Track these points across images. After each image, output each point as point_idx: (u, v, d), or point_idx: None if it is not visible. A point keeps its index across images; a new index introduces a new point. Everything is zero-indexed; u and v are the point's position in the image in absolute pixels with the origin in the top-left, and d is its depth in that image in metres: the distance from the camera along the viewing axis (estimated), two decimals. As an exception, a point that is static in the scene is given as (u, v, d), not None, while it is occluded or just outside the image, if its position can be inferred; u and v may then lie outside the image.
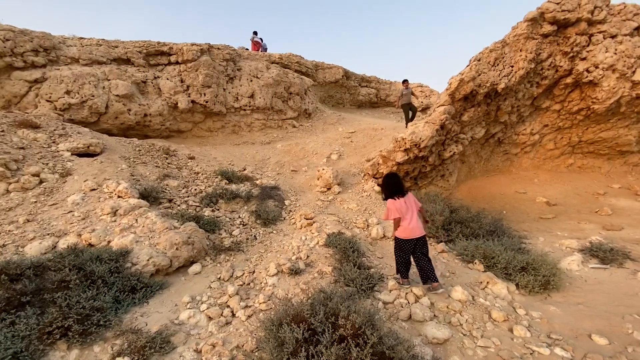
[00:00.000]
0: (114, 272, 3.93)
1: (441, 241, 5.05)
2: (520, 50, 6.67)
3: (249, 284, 4.15)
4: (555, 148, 8.59)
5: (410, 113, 9.46)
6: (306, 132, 11.87)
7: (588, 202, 7.35)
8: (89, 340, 3.12)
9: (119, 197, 5.52)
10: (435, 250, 4.86)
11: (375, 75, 16.54)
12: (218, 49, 10.69)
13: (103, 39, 9.75)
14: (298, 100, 12.30)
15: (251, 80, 11.18)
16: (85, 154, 6.84)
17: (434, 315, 3.38)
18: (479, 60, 6.58)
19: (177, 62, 9.98)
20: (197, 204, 6.04)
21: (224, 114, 10.49)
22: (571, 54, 6.91)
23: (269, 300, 3.71)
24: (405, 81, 9.79)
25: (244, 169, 8.16)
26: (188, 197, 6.27)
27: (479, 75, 6.48)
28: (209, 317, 3.56)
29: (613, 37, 6.82)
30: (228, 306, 3.72)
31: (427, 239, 5.04)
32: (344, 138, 10.67)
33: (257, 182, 7.35)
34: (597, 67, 6.80)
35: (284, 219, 6.06)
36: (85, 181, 5.89)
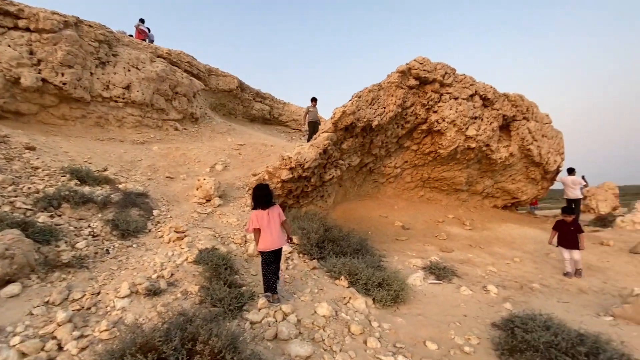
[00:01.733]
0: None
1: (314, 258, 5.28)
2: (392, 96, 7.83)
3: (89, 308, 3.44)
4: (411, 181, 10.23)
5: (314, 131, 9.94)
6: (191, 138, 11.03)
7: (431, 228, 8.93)
8: None
9: None
10: (308, 266, 5.05)
11: (270, 93, 16.79)
12: (90, 26, 9.08)
13: None
14: (185, 102, 11.39)
15: (129, 70, 9.83)
16: None
17: (299, 332, 3.44)
18: (359, 97, 7.41)
19: (27, 29, 8.00)
20: (29, 207, 4.78)
21: (87, 101, 8.82)
22: (427, 106, 8.49)
23: (113, 327, 3.14)
24: (313, 99, 10.32)
25: (105, 170, 6.95)
26: (16, 197, 4.91)
27: (359, 110, 7.28)
28: (23, 354, 2.77)
29: (456, 99, 8.71)
30: (54, 337, 2.98)
31: (302, 255, 5.23)
32: (232, 149, 10.32)
33: (120, 186, 6.34)
34: (443, 120, 8.53)
35: (149, 231, 5.35)
36: None
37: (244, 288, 4.05)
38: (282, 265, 4.64)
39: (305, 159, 6.87)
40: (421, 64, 7.93)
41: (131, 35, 12.43)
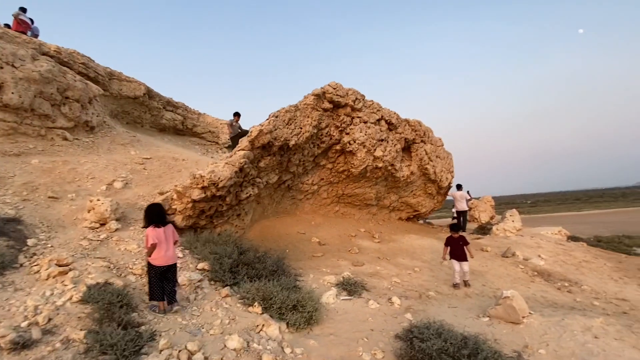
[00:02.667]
0: None
1: (227, 285, 5.05)
2: (308, 117, 8.11)
3: None
4: (327, 197, 10.66)
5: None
6: (84, 149, 9.61)
7: (345, 242, 9.40)
8: None
9: None
10: (219, 295, 4.80)
11: (184, 102, 15.79)
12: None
13: None
14: (77, 109, 9.93)
15: (1, 68, 8.20)
16: None
17: (207, 371, 3.24)
18: (276, 117, 7.49)
19: None
20: None
21: None
22: (340, 128, 9.03)
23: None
24: (236, 114, 10.01)
25: (-41, 190, 5.60)
26: None
27: (276, 130, 7.35)
28: None
29: (365, 122, 9.46)
30: None
31: (214, 282, 4.99)
32: (136, 164, 9.33)
33: (-18, 211, 5.17)
34: (355, 142, 9.16)
35: (21, 266, 4.46)
36: None
37: (143, 327, 3.65)
38: (190, 297, 4.36)
39: (219, 178, 6.61)
40: (334, 88, 8.43)
41: (7, 26, 10.45)
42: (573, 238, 14.16)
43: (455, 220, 17.48)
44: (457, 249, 6.97)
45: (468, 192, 13.01)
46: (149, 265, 4.17)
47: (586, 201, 67.73)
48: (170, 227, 4.36)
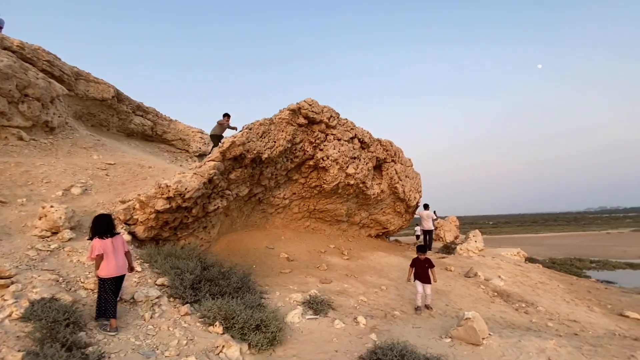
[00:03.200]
0: None
1: (187, 302, 4.82)
2: (282, 131, 8.12)
3: None
4: (299, 212, 10.59)
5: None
6: (41, 151, 9.01)
7: (314, 258, 9.33)
8: None
9: None
10: (178, 313, 4.57)
11: (154, 108, 15.32)
12: None
13: None
14: (37, 108, 9.35)
15: (-48, 58, 7.61)
16: None
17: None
18: (250, 129, 7.43)
19: None
20: None
21: None
22: (314, 144, 9.09)
23: None
24: (226, 115, 9.92)
25: None
26: None
27: (249, 142, 7.27)
28: None
29: (339, 140, 9.60)
30: None
31: (173, 299, 4.77)
32: (98, 169, 8.86)
33: None
34: (328, 158, 9.24)
35: (-46, 278, 4.03)
36: None
37: (90, 349, 3.38)
38: (146, 315, 4.11)
39: (186, 189, 6.39)
40: (310, 105, 8.52)
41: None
42: (530, 259, 14.93)
43: (419, 240, 17.99)
44: (422, 271, 6.89)
45: (435, 212, 13.43)
46: (100, 280, 4.03)
47: (543, 224, 71.87)
48: (119, 237, 4.30)
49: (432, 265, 6.93)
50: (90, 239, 4.16)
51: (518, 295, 8.91)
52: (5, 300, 3.77)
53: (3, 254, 4.72)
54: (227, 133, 10.08)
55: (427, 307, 6.94)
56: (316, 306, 5.91)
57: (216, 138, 10.08)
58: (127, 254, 4.33)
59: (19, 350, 3.14)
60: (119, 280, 4.16)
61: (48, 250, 5.12)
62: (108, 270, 4.00)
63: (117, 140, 12.99)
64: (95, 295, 4.40)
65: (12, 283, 4.05)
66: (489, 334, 5.36)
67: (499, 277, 9.96)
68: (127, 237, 6.09)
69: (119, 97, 13.25)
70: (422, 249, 7.16)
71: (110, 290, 4.01)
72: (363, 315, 5.97)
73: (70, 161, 8.84)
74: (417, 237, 20.35)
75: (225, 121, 10.20)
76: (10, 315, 3.55)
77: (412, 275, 7.04)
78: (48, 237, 5.45)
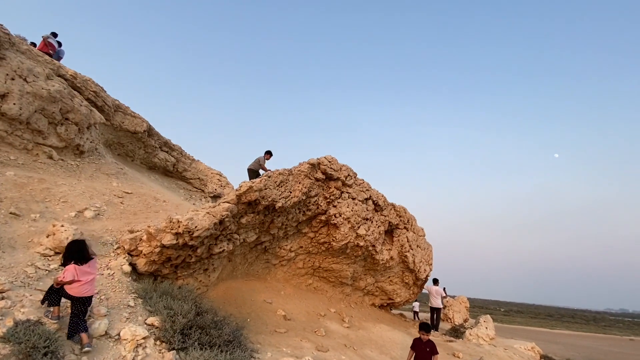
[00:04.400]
0: None
1: (173, 348, 4.48)
2: (299, 183, 8.22)
3: None
4: (303, 267, 10.23)
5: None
6: (66, 171, 9.33)
7: (312, 321, 8.74)
8: None
9: None
10: (162, 359, 4.22)
11: (180, 146, 16.00)
12: (-23, 18, 7.72)
13: None
14: (73, 131, 9.91)
15: (13, 79, 8.37)
16: None
17: None
18: (269, 177, 7.57)
19: None
20: None
21: None
22: (329, 200, 9.11)
23: None
24: (269, 152, 10.22)
25: None
26: None
27: (266, 189, 7.36)
28: None
29: (353, 199, 9.61)
30: None
31: (160, 342, 4.48)
32: (115, 196, 9.01)
33: None
34: (340, 215, 9.17)
35: (-52, 284, 3.93)
36: None
37: (62, 385, 3.09)
38: (128, 355, 3.82)
39: (196, 227, 6.35)
40: (329, 161, 8.73)
41: (34, 44, 10.98)
42: (546, 358, 13.57)
43: (420, 318, 16.82)
44: (423, 356, 5.86)
45: (444, 289, 12.73)
46: (74, 299, 4.15)
47: (558, 319, 66.75)
48: (92, 262, 4.46)
49: (435, 351, 5.91)
50: (64, 265, 4.31)
51: (533, 399, 7.92)
52: (-10, 316, 3.60)
53: (2, 267, 4.64)
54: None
55: None
56: (309, 376, 5.38)
57: (252, 173, 10.14)
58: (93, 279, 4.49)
59: (-12, 375, 2.90)
60: (88, 300, 4.30)
61: (46, 270, 5.01)
62: (82, 291, 4.17)
63: (138, 172, 13.40)
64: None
65: (2, 299, 3.90)
66: None
67: (512, 373, 9.00)
68: (127, 268, 5.94)
69: (149, 132, 13.99)
70: (426, 327, 6.14)
71: (82, 309, 4.16)
72: (359, 394, 5.37)
73: (90, 184, 9.06)
74: (415, 313, 19.06)
75: (264, 159, 10.34)
76: (-10, 333, 3.36)
77: (412, 359, 6.04)
78: (50, 256, 5.37)
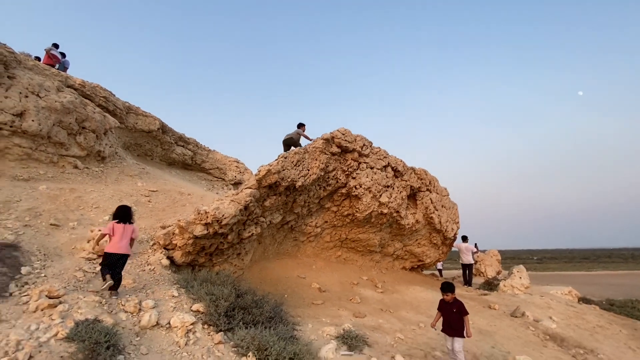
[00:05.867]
0: None
1: (221, 330, 4.77)
2: (316, 160, 8.22)
3: None
4: (330, 241, 10.44)
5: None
6: (92, 178, 9.72)
7: (346, 290, 9.02)
8: None
9: None
10: (212, 341, 4.52)
11: (195, 139, 16.22)
12: (-18, 41, 7.90)
13: None
14: (92, 139, 10.22)
15: (26, 97, 8.60)
16: None
17: None
18: (285, 157, 7.60)
19: None
20: None
21: (-43, 125, 7.30)
22: (347, 172, 9.09)
23: None
24: (301, 125, 9.89)
25: (-37, 212, 5.58)
26: None
27: (284, 170, 7.41)
28: None
29: (372, 168, 9.55)
30: None
31: (207, 326, 4.75)
32: (142, 195, 9.35)
33: (-19, 235, 5.10)
34: (361, 186, 9.17)
35: (11, 295, 4.28)
36: None
37: (128, 373, 3.39)
38: (181, 341, 4.10)
39: (223, 215, 6.54)
40: (343, 134, 8.63)
41: (38, 59, 11.15)
42: (584, 300, 13.52)
43: (439, 272, 16.88)
44: (449, 319, 5.26)
45: (475, 244, 12.71)
46: (104, 254, 4.89)
47: (594, 260, 65.65)
48: (131, 226, 5.13)
49: (464, 311, 5.21)
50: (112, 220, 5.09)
51: (574, 340, 8.00)
52: (52, 319, 3.92)
53: (54, 275, 4.99)
54: (303, 142, 9.81)
55: None
56: (351, 342, 5.62)
57: (288, 144, 9.75)
58: (132, 241, 5.15)
59: (62, 371, 3.21)
60: (121, 259, 4.92)
61: (93, 272, 5.34)
62: (113, 248, 4.84)
63: (159, 169, 13.78)
64: (134, 319, 4.49)
65: (60, 303, 4.23)
66: (546, 384, 4.79)
67: (550, 318, 9.06)
68: (165, 261, 6.26)
69: (163, 129, 14.21)
70: (449, 287, 5.40)
71: (109, 264, 4.79)
72: (401, 354, 5.59)
73: (117, 188, 9.42)
74: (440, 271, 19.36)
75: (302, 130, 10.02)
76: (56, 334, 3.68)
77: (439, 322, 5.56)
78: (94, 259, 5.71)
